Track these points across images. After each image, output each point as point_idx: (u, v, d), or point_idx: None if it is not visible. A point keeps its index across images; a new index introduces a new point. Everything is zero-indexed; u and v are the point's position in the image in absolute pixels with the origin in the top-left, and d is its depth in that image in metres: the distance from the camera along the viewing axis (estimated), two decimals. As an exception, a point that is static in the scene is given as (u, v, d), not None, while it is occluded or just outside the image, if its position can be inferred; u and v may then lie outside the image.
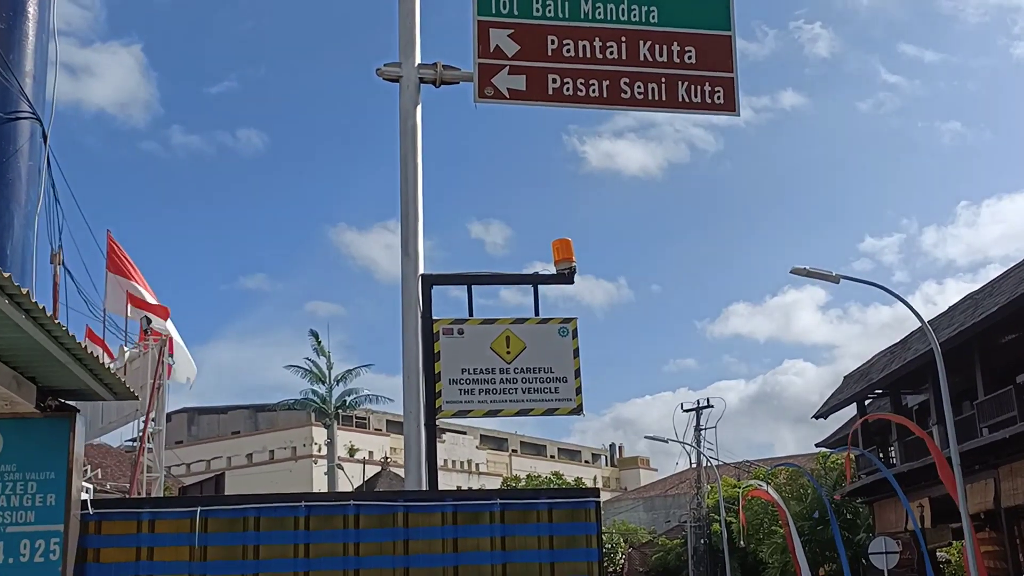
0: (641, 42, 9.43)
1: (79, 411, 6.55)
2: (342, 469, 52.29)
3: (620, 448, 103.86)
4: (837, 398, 40.49)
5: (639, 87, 9.36)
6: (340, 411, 52.05)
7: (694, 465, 55.03)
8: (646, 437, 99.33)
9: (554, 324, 8.49)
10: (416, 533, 6.66)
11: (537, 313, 8.53)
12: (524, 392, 8.29)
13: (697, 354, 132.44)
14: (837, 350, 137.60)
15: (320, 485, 58.80)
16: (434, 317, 8.32)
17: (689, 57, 9.50)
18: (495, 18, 9.24)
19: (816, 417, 41.72)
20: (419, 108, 9.05)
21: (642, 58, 9.41)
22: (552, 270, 8.57)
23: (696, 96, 9.45)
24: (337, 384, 50.94)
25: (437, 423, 8.19)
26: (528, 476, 64.05)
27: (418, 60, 9.13)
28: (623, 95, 9.33)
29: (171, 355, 19.49)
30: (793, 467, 46.17)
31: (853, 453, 35.00)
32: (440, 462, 8.65)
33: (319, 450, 66.55)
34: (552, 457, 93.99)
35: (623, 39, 9.41)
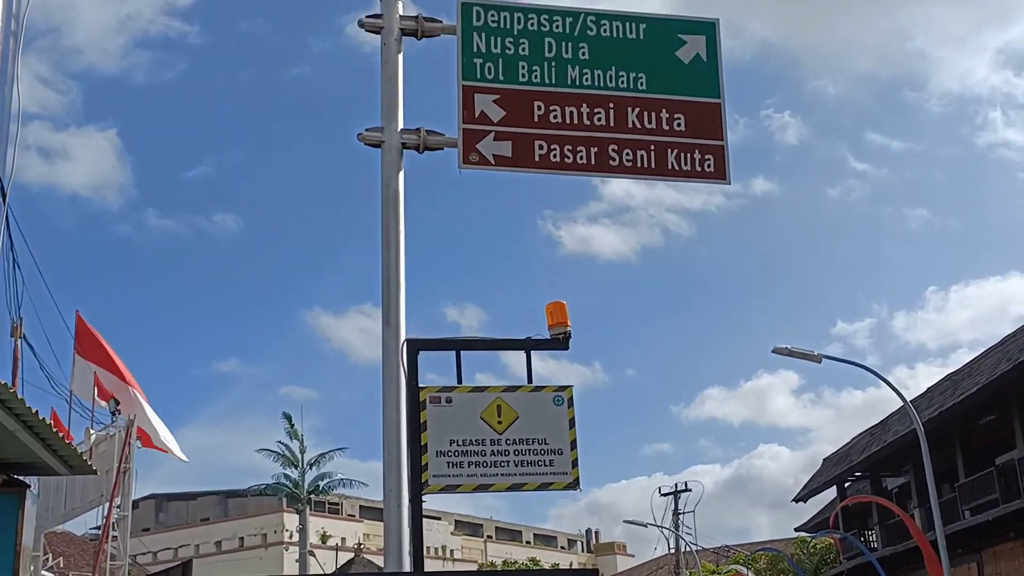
0: (629, 109, 9.22)
1: (29, 486, 6.11)
2: (314, 556, 51.22)
3: (596, 533, 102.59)
4: (817, 481, 40.10)
5: (628, 154, 9.13)
6: (313, 496, 51.12)
7: (672, 550, 54.28)
8: (625, 521, 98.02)
9: (548, 392, 8.10)
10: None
11: (530, 381, 8.14)
12: (516, 465, 7.84)
13: (672, 438, 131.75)
14: (812, 434, 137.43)
15: (291, 572, 57.50)
16: (420, 385, 7.93)
17: (678, 124, 9.28)
18: (480, 83, 9.02)
19: (796, 500, 41.29)
20: (401, 174, 8.77)
21: (631, 125, 9.18)
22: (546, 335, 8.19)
23: (686, 164, 9.23)
24: (310, 468, 50.14)
25: (423, 499, 7.73)
26: (504, 562, 62.93)
27: (401, 125, 8.87)
28: (611, 162, 9.09)
29: (147, 446, 19.05)
30: (773, 552, 45.57)
31: (835, 536, 34.50)
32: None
33: (290, 536, 65.26)
34: (528, 543, 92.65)
35: (611, 105, 9.19)
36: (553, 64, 9.20)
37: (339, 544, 66.49)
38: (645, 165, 9.15)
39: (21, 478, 6.16)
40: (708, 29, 9.59)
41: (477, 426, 7.89)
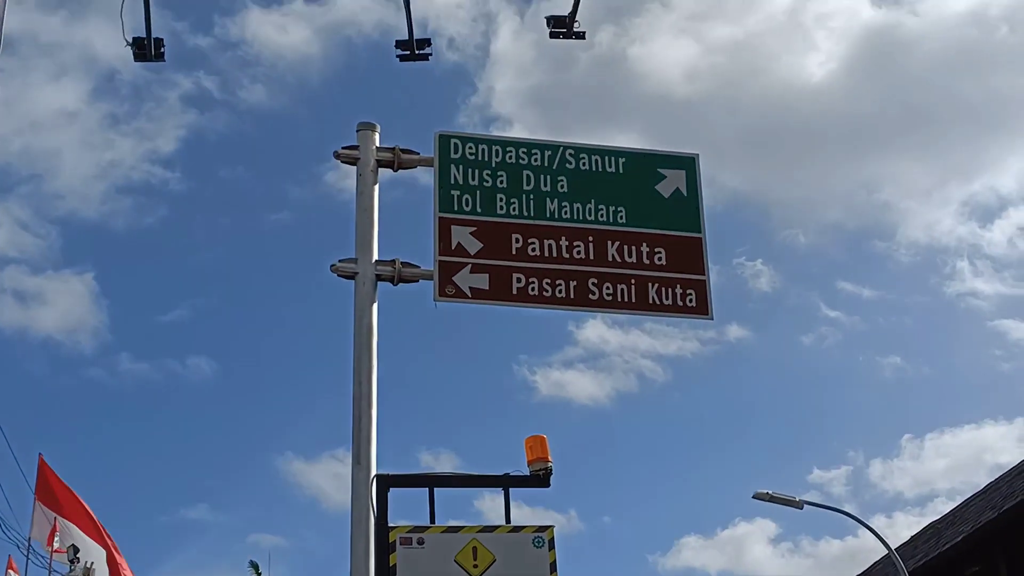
0: (609, 242, 9.04)
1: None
2: None
3: None
4: (799, 635, 39.01)
5: (608, 288, 8.90)
6: (278, 650, 49.30)
7: None
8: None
9: (528, 533, 7.65)
10: None
11: (508, 520, 7.70)
12: (494, 613, 7.37)
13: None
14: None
15: None
16: (390, 524, 7.48)
17: (659, 259, 9.10)
18: (457, 215, 8.84)
19: (778, 655, 40.11)
20: (375, 306, 8.51)
21: (611, 259, 8.99)
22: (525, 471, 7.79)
23: (667, 299, 9.00)
24: (275, 620, 48.47)
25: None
26: None
27: (375, 256, 8.65)
28: (591, 296, 8.86)
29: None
30: None
31: None
32: None
33: None
34: None
35: (590, 239, 9.01)
36: (531, 196, 9.05)
37: None
38: (626, 299, 8.92)
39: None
40: (688, 164, 9.50)
41: (451, 570, 7.42)
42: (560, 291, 8.81)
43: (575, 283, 8.85)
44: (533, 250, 8.86)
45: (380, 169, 9.00)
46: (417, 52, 10.16)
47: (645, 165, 9.41)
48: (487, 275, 8.71)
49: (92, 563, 18.01)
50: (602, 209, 9.14)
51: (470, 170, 9.02)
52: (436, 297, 8.57)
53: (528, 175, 9.11)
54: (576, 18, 10.37)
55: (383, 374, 8.43)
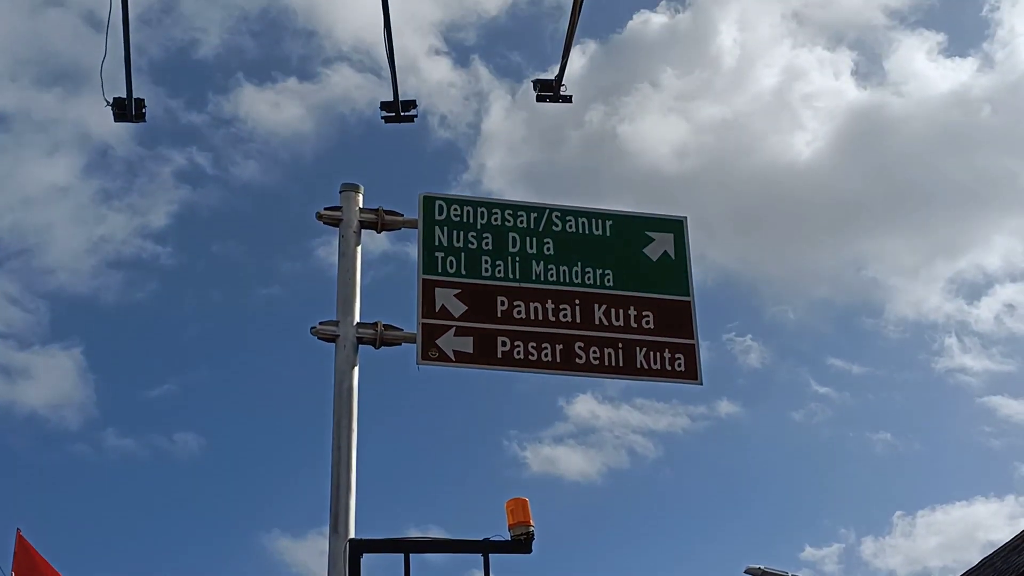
0: (596, 305, 8.86)
1: None
2: None
3: None
4: None
5: (595, 352, 8.70)
6: None
7: None
8: None
9: (509, 602, 7.38)
10: None
11: (487, 588, 7.39)
12: None
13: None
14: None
15: None
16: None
17: (647, 322, 8.91)
18: (441, 277, 8.66)
19: None
20: (356, 369, 8.28)
21: (597, 322, 8.80)
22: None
23: (655, 363, 8.80)
24: None
25: None
26: None
27: (357, 318, 8.45)
28: (578, 360, 8.65)
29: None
30: None
31: None
32: None
33: None
34: None
35: (577, 302, 8.83)
36: (517, 259, 8.89)
37: None
38: (613, 364, 8.71)
39: None
40: (676, 227, 9.36)
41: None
42: (546, 355, 8.60)
43: (561, 347, 8.65)
44: (519, 313, 8.68)
45: (365, 231, 8.85)
46: (403, 114, 10.06)
47: (633, 228, 9.27)
48: (471, 338, 8.51)
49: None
50: (589, 272, 8.97)
51: (455, 232, 8.87)
52: (419, 360, 8.36)
53: (514, 237, 8.96)
54: (563, 82, 10.28)
55: (365, 441, 8.18)
